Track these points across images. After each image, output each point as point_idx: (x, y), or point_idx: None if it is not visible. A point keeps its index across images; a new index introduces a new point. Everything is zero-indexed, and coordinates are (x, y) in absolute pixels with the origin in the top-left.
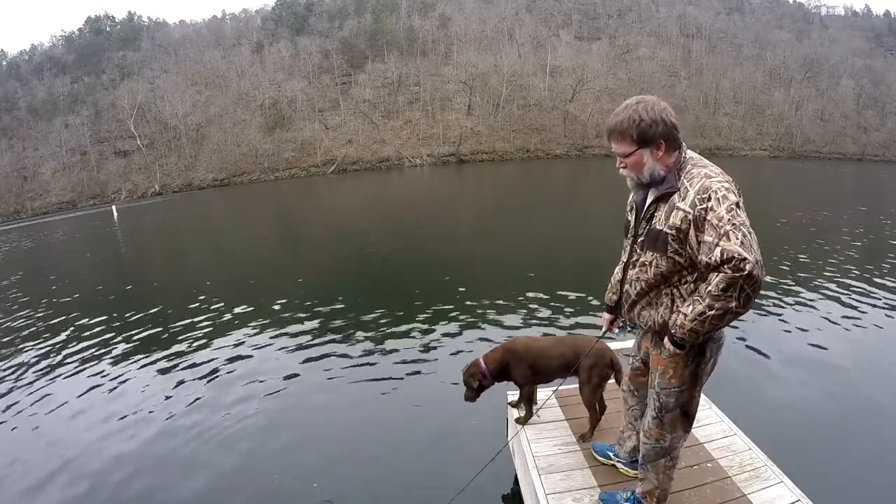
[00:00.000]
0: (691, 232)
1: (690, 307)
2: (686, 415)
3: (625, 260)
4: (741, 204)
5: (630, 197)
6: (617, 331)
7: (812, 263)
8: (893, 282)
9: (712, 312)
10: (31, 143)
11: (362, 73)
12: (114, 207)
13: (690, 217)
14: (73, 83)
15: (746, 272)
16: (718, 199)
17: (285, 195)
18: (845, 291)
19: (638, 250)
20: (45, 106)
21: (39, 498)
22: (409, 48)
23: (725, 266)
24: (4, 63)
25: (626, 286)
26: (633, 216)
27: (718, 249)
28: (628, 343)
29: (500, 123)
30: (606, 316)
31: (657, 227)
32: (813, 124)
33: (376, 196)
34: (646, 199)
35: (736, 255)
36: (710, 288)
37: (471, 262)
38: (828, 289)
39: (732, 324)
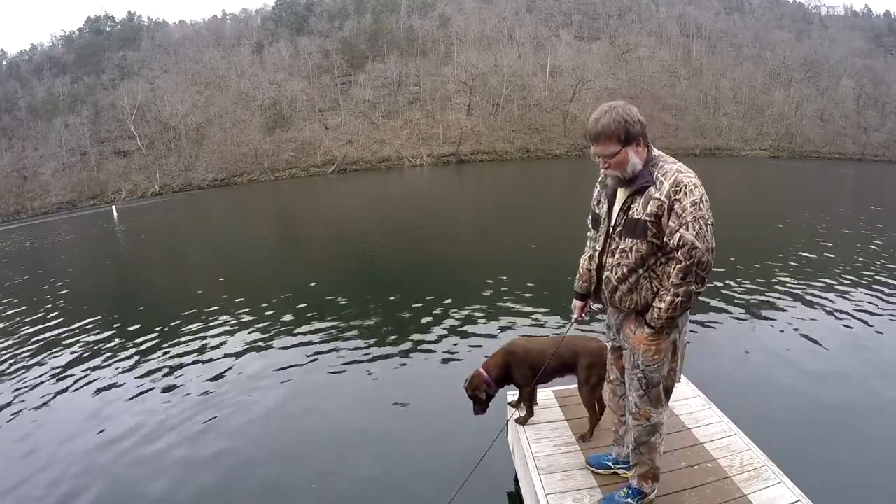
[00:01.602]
0: (664, 218)
1: (662, 302)
2: (666, 389)
3: (599, 248)
4: (705, 197)
5: (595, 191)
6: (586, 316)
7: (812, 263)
8: (894, 282)
9: (680, 299)
10: (31, 143)
11: (362, 73)
12: (114, 207)
13: (665, 206)
14: (73, 83)
15: (696, 259)
16: (686, 192)
17: (285, 195)
18: (846, 291)
19: (616, 239)
20: (45, 106)
21: (39, 497)
22: (409, 48)
23: (680, 251)
24: (4, 63)
25: (607, 272)
26: (606, 208)
27: (677, 235)
28: None
29: (500, 123)
30: (577, 303)
31: (635, 216)
32: (813, 124)
33: (376, 196)
34: (615, 192)
35: (689, 243)
36: (672, 279)
37: (471, 262)
38: (828, 289)
39: (733, 325)
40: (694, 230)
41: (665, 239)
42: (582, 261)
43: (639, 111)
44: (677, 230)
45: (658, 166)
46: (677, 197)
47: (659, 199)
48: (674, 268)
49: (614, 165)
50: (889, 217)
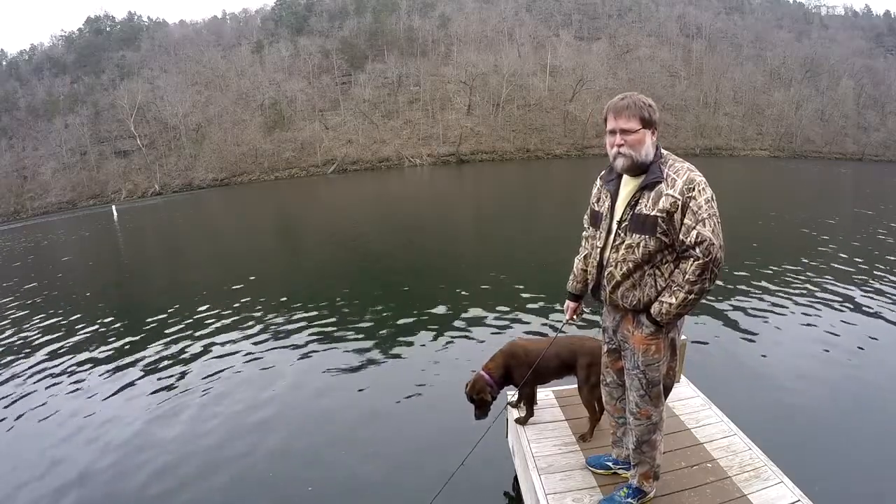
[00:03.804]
0: (677, 215)
1: (673, 297)
2: (666, 387)
3: (600, 245)
4: (714, 196)
5: (595, 189)
6: (578, 318)
7: (813, 263)
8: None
9: (693, 296)
10: (31, 143)
11: (362, 73)
12: (114, 207)
13: (679, 202)
14: (73, 83)
15: (714, 256)
16: (700, 190)
17: (285, 195)
18: (847, 291)
19: (622, 234)
20: (45, 106)
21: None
22: (409, 48)
23: (698, 248)
24: (4, 63)
25: (610, 268)
26: (608, 204)
27: (695, 232)
28: None
29: (500, 123)
30: (570, 304)
31: (644, 211)
32: (813, 124)
33: (376, 196)
34: (618, 188)
35: (707, 239)
36: (687, 276)
37: (470, 261)
38: (829, 289)
39: (733, 325)
40: (710, 227)
41: (681, 236)
42: (576, 261)
43: None
44: (694, 227)
45: (668, 164)
46: (692, 194)
47: (672, 196)
48: (690, 265)
49: (630, 143)
50: (890, 217)
